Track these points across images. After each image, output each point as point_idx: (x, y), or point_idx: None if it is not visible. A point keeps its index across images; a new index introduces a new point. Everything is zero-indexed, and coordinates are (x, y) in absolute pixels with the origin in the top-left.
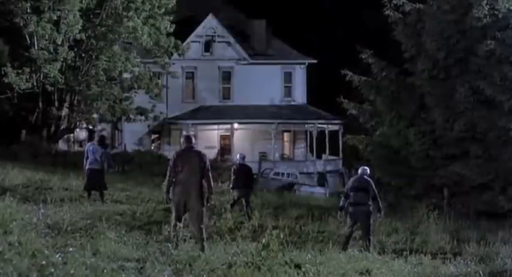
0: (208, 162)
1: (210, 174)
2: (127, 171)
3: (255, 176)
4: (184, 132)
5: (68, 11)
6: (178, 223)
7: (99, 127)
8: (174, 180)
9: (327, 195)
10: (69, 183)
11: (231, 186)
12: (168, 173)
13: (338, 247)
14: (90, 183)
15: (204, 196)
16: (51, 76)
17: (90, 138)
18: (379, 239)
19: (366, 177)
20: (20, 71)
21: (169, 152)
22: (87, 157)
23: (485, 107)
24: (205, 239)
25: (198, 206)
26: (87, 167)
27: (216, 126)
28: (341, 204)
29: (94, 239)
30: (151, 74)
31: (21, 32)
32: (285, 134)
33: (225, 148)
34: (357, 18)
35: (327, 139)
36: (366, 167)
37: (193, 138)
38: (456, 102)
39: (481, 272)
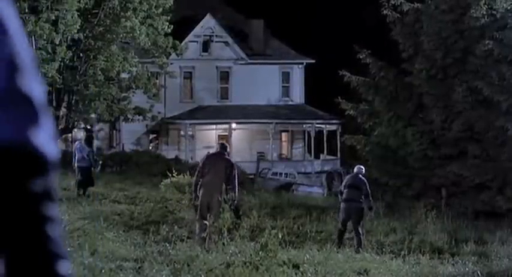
0: (235, 171)
1: (237, 183)
2: (125, 171)
3: (251, 176)
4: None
5: (66, 11)
6: (204, 221)
7: (97, 127)
8: (200, 181)
9: (325, 195)
10: (67, 183)
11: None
12: (196, 173)
13: (336, 246)
14: (81, 181)
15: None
16: (49, 76)
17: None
18: (377, 239)
19: (360, 176)
20: None
21: (167, 152)
22: (75, 156)
23: (483, 106)
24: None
25: (218, 208)
26: (76, 165)
27: (214, 126)
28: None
29: (92, 239)
30: (149, 74)
31: None
32: (283, 134)
33: None
34: (354, 18)
35: (324, 139)
36: (362, 166)
37: (228, 147)
38: (454, 102)
39: (479, 272)
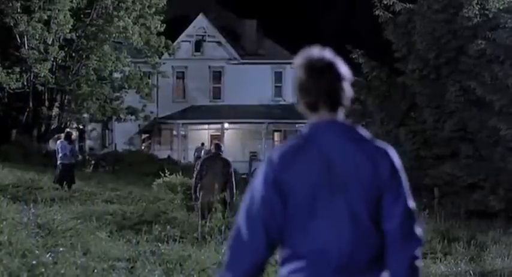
0: (232, 169)
1: (233, 180)
2: (117, 171)
3: (244, 176)
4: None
5: (59, 10)
6: (204, 222)
7: (89, 127)
8: (199, 183)
9: None
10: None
11: None
12: (194, 175)
13: None
14: (61, 177)
15: (225, 199)
16: (42, 76)
17: (67, 135)
18: None
19: None
20: (10, 71)
21: (160, 152)
22: (59, 153)
23: (476, 106)
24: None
25: (219, 207)
26: (59, 162)
27: (206, 126)
28: None
29: (84, 239)
30: (142, 74)
31: (11, 31)
32: (276, 134)
33: None
34: (347, 17)
35: None
36: None
37: (222, 146)
38: (447, 101)
39: (471, 272)
